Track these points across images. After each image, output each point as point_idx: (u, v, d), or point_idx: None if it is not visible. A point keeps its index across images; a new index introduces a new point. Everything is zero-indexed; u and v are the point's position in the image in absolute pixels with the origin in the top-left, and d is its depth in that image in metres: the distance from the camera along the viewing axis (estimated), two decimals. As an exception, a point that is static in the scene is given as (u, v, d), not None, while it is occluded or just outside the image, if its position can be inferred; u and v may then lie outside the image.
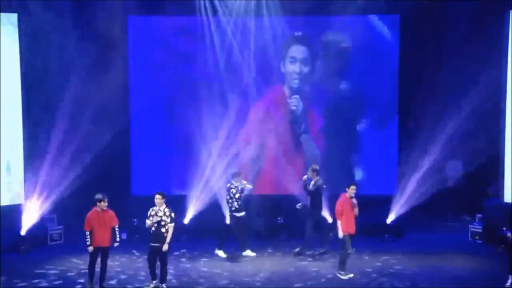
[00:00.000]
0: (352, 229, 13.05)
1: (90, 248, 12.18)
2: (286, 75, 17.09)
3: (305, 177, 14.54)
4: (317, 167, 14.53)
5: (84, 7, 16.26)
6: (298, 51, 16.98)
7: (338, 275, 13.03)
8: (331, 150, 16.94)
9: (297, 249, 14.63)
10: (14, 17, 15.53)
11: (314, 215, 14.47)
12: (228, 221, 14.99)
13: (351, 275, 13.03)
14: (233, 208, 14.54)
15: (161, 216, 12.22)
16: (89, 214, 12.25)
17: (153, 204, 12.37)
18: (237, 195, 14.49)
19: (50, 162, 15.58)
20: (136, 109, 17.01)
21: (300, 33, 16.87)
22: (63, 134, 15.87)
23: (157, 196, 12.30)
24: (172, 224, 12.28)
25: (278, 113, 17.05)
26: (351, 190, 12.98)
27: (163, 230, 12.21)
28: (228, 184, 14.74)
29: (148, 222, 12.32)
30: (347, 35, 16.81)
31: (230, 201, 14.55)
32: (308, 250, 14.61)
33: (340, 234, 12.96)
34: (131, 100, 16.97)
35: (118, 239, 12.45)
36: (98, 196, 12.27)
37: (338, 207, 13.04)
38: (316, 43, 16.89)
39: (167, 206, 12.33)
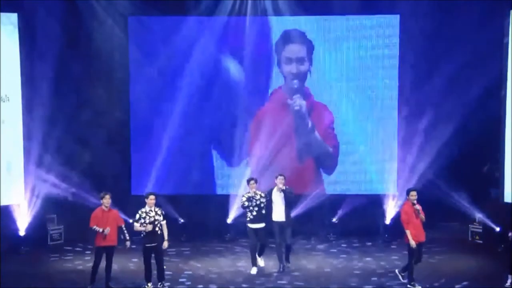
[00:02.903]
0: (421, 237, 12.49)
1: (102, 230, 12.05)
2: (284, 76, 16.95)
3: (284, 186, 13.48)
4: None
5: (84, 6, 16.25)
6: (292, 51, 16.82)
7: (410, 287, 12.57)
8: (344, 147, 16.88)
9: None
10: (14, 17, 15.53)
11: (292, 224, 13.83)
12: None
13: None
14: (247, 219, 13.41)
15: (153, 216, 12.26)
16: (94, 212, 12.33)
17: (153, 204, 12.39)
18: (247, 203, 13.28)
19: (50, 162, 15.59)
20: (136, 108, 16.98)
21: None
22: (63, 134, 15.89)
23: (151, 197, 12.35)
24: (165, 221, 12.36)
25: (282, 116, 16.82)
26: (411, 197, 12.47)
27: (156, 229, 12.26)
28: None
29: (138, 226, 12.20)
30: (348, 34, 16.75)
31: (246, 210, 13.49)
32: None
33: (412, 243, 12.32)
34: (131, 99, 16.94)
35: (128, 238, 12.36)
36: (102, 193, 12.44)
37: (403, 216, 12.48)
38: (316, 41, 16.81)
39: (157, 205, 12.40)
